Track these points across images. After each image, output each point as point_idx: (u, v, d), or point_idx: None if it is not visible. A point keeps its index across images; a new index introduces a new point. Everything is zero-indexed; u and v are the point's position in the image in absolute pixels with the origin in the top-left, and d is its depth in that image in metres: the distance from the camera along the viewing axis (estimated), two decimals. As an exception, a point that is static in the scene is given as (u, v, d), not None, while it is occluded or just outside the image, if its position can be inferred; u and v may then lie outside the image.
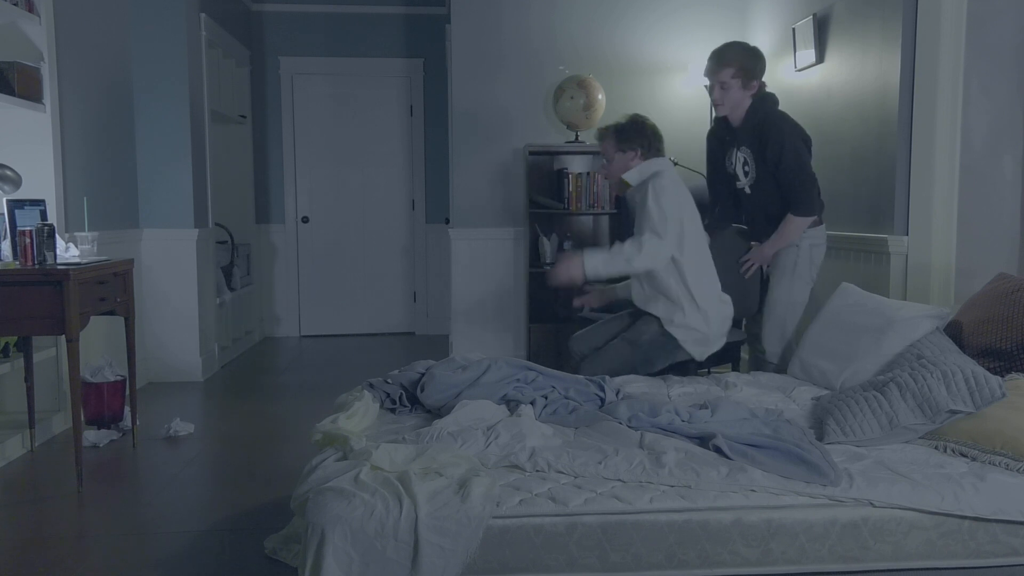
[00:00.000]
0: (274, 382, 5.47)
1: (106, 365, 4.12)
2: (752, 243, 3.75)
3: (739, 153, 3.59)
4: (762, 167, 3.50)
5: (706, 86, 3.72)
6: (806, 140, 3.50)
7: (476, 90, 5.51)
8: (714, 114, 3.73)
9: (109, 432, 3.97)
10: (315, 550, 1.96)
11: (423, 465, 2.17)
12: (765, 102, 3.51)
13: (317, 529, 1.97)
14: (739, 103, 3.49)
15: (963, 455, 2.31)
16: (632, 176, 3.38)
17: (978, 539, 2.11)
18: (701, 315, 3.30)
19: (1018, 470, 2.20)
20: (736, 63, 3.45)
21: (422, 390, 2.75)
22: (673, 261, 3.26)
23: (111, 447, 3.88)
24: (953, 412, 2.35)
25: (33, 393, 3.76)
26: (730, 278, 3.59)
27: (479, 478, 2.08)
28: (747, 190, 3.61)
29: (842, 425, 2.44)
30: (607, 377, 2.97)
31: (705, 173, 3.98)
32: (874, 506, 2.09)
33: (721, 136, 3.71)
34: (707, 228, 3.53)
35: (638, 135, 3.37)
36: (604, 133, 3.46)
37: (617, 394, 2.86)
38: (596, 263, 3.23)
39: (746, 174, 3.58)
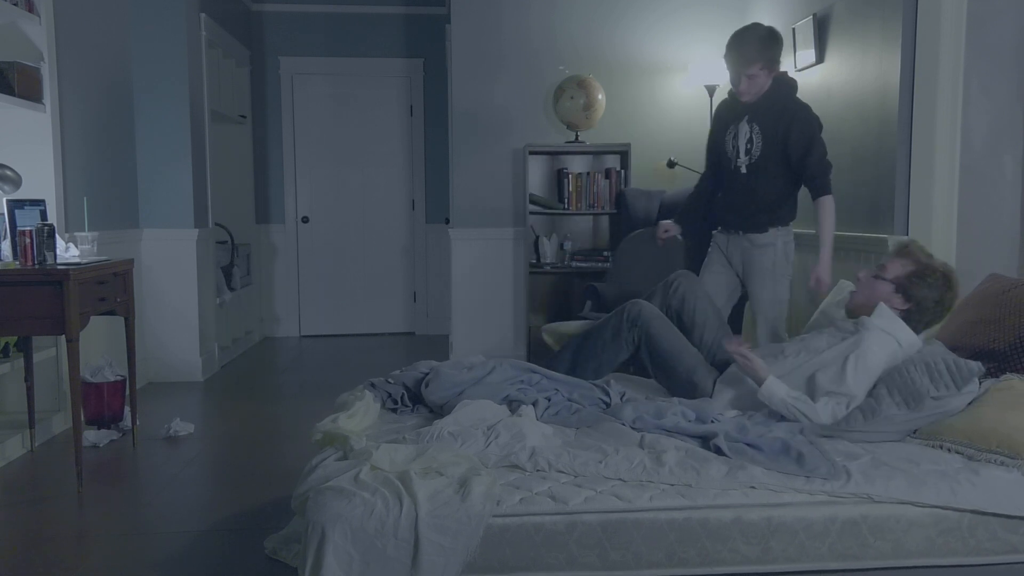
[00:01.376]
0: (274, 382, 5.47)
1: (106, 365, 4.12)
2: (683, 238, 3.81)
3: (745, 127, 3.49)
4: (770, 147, 3.44)
5: (730, 80, 3.56)
6: (821, 127, 3.47)
7: (476, 90, 5.51)
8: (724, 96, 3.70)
9: (109, 432, 3.97)
10: (315, 549, 1.96)
11: (423, 465, 2.17)
12: (784, 84, 3.48)
13: (317, 528, 1.97)
14: (763, 88, 3.45)
15: (959, 453, 2.32)
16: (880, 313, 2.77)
17: (978, 536, 2.11)
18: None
19: (1014, 467, 2.21)
20: (762, 59, 3.38)
21: (426, 386, 2.75)
22: None
23: (111, 447, 3.88)
24: (936, 399, 2.40)
25: (33, 393, 3.76)
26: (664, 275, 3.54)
27: (479, 477, 2.08)
28: (743, 169, 3.52)
29: None
30: (611, 381, 2.94)
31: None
32: (873, 500, 2.10)
33: (730, 107, 3.61)
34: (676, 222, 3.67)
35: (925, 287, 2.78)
36: (904, 248, 2.90)
37: (622, 398, 2.85)
38: (775, 390, 2.63)
39: (747, 151, 3.50)
